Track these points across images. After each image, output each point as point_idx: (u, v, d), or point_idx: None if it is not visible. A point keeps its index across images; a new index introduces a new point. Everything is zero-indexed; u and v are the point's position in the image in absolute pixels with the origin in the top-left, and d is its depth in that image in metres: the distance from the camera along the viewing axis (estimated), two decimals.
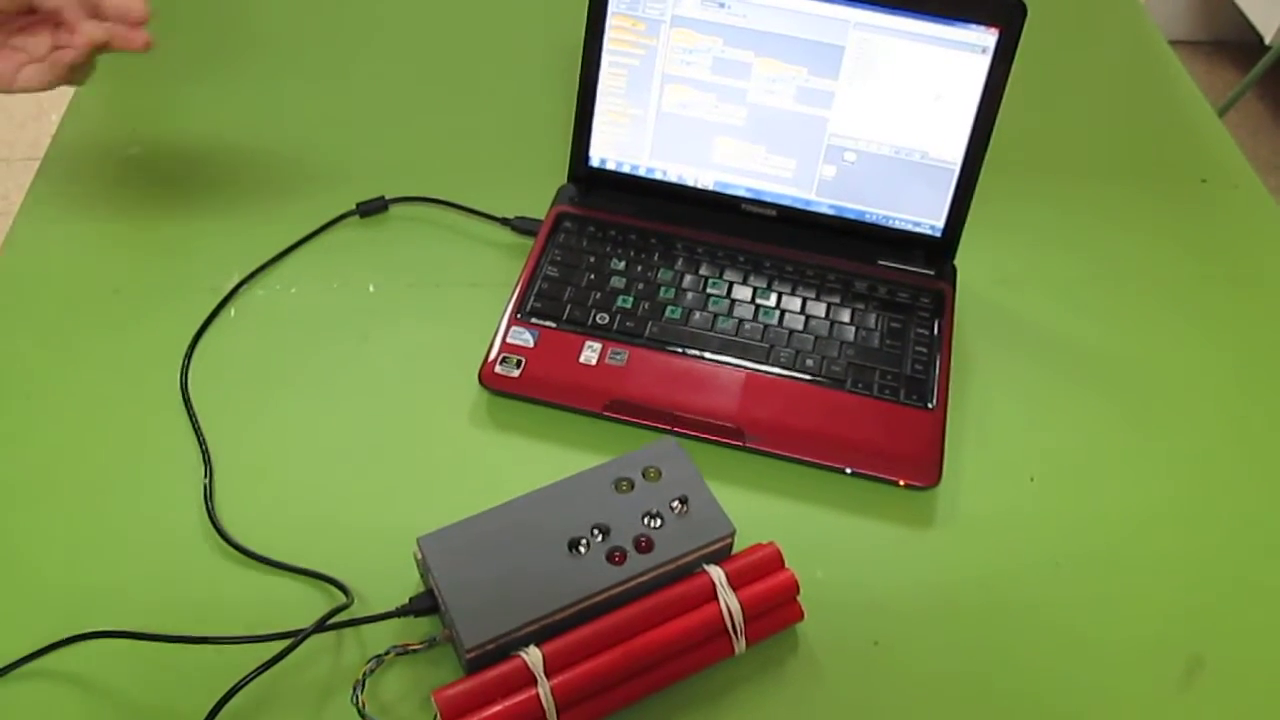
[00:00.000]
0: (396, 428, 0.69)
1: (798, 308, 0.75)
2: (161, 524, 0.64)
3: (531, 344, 0.72)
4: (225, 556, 0.63)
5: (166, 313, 0.74)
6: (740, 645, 0.58)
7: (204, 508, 0.64)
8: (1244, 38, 2.21)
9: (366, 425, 0.69)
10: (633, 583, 0.58)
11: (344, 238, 0.81)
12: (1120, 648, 0.62)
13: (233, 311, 0.75)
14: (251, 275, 0.77)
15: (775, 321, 0.75)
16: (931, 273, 0.78)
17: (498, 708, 0.54)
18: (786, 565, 0.61)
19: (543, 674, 0.55)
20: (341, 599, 0.60)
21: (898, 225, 0.78)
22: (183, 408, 0.69)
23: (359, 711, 0.54)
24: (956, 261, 0.79)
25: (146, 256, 0.78)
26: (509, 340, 0.72)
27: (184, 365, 0.71)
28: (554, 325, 0.73)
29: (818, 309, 0.75)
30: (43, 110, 2.05)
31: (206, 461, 0.66)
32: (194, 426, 0.68)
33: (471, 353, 0.72)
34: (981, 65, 0.72)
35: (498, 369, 0.71)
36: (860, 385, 0.71)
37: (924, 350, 0.74)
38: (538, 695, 0.54)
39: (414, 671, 0.58)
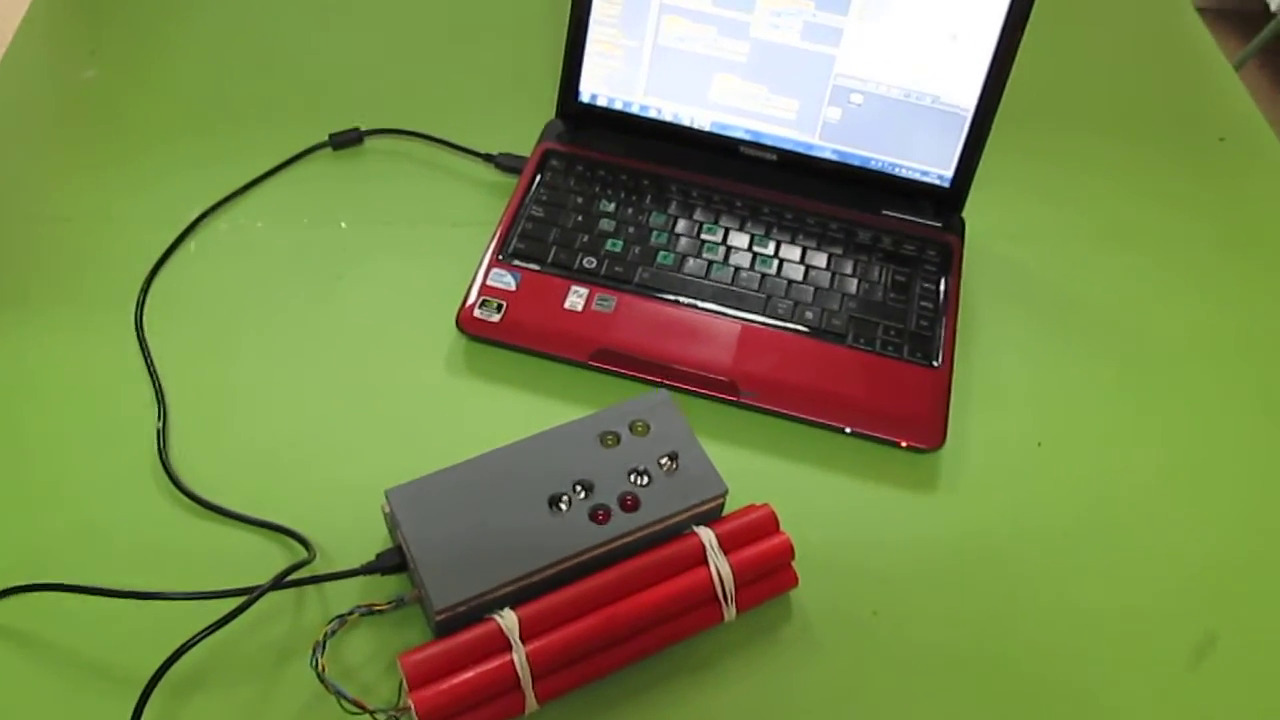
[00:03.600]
0: (367, 374, 0.66)
1: (797, 257, 0.72)
2: (111, 470, 0.60)
3: (513, 287, 0.68)
4: (178, 506, 0.59)
5: (121, 245, 0.71)
6: (730, 612, 0.56)
7: (157, 454, 0.61)
8: (1248, 5, 2.18)
9: (335, 370, 0.66)
10: (617, 543, 0.55)
11: (315, 170, 0.77)
12: (1129, 621, 0.59)
13: (193, 246, 0.71)
14: (214, 207, 0.73)
15: (773, 271, 0.71)
16: (939, 225, 0.75)
17: (468, 674, 0.51)
18: (781, 528, 0.58)
19: (518, 639, 0.52)
20: (303, 554, 0.57)
21: (904, 174, 0.74)
22: (137, 346, 0.66)
23: (318, 675, 0.51)
24: (964, 214, 0.76)
25: (100, 185, 0.74)
26: (489, 283, 0.69)
27: (139, 301, 0.68)
28: (538, 268, 0.70)
29: (818, 259, 0.72)
30: None
31: (160, 404, 0.63)
32: (148, 367, 0.65)
33: (449, 295, 0.69)
34: (1000, 3, 0.68)
35: (477, 313, 0.67)
36: (862, 340, 0.68)
37: (930, 306, 0.70)
38: (512, 662, 0.51)
39: (379, 634, 0.55)
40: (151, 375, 0.64)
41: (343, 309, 0.69)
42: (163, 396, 0.63)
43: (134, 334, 0.66)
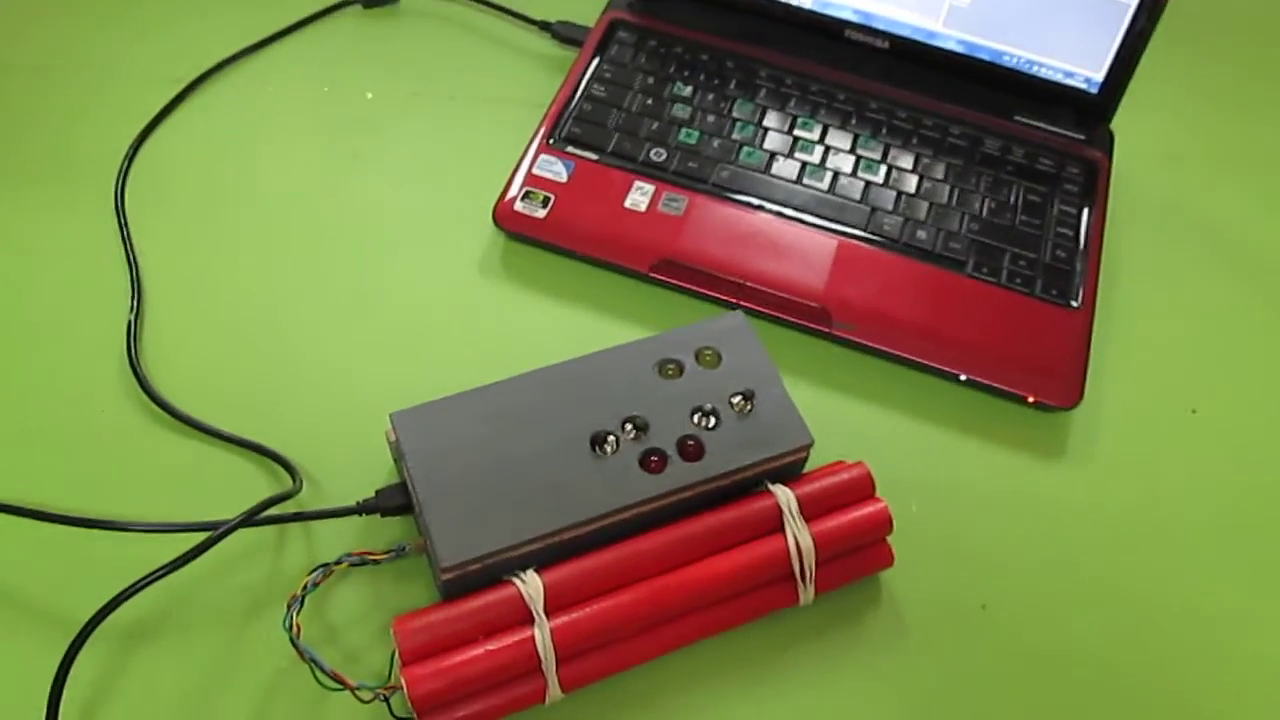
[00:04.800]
0: (383, 273, 0.58)
1: (910, 165, 0.62)
2: (69, 370, 0.53)
3: (564, 178, 0.60)
4: (146, 416, 0.52)
5: (107, 102, 0.64)
6: (807, 594, 0.47)
7: (126, 352, 0.53)
8: None
9: (345, 266, 0.58)
10: (672, 498, 0.47)
11: (341, 29, 0.69)
12: None
13: (191, 110, 0.64)
14: (220, 66, 0.66)
15: (880, 180, 0.61)
16: (1082, 137, 0.65)
17: (477, 651, 0.42)
18: (877, 494, 0.49)
19: (541, 611, 0.43)
20: (288, 484, 0.49)
21: (1044, 73, 0.64)
22: (114, 223, 0.58)
23: (291, 640, 0.42)
24: (1113, 127, 0.66)
25: (85, 29, 0.67)
26: (535, 171, 0.60)
27: (122, 169, 0.60)
28: (595, 158, 0.61)
29: (936, 169, 0.62)
30: None
31: (136, 294, 0.55)
32: (126, 248, 0.57)
33: (487, 184, 0.61)
34: None
35: (518, 206, 0.58)
36: (985, 270, 0.58)
37: (1069, 233, 0.60)
38: (533, 638, 0.43)
39: (374, 587, 0.47)
40: (129, 259, 0.56)
41: (361, 194, 0.61)
42: (139, 285, 0.56)
43: (113, 209, 0.59)
